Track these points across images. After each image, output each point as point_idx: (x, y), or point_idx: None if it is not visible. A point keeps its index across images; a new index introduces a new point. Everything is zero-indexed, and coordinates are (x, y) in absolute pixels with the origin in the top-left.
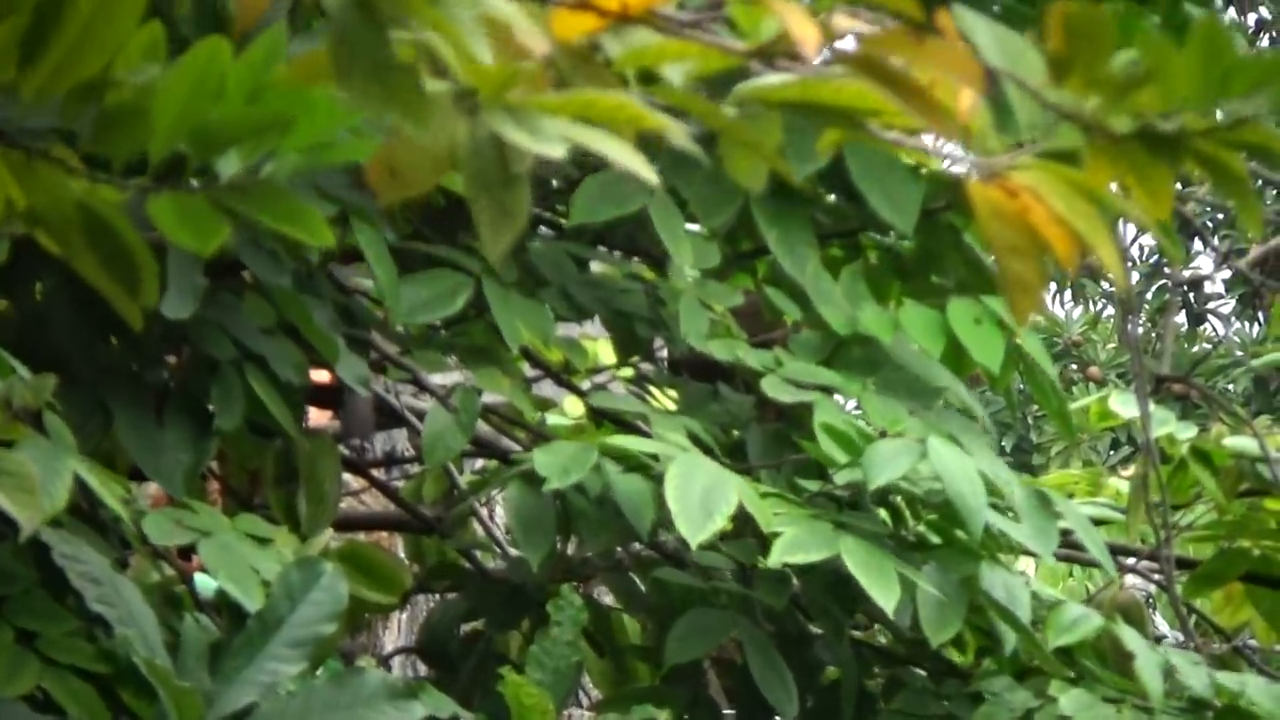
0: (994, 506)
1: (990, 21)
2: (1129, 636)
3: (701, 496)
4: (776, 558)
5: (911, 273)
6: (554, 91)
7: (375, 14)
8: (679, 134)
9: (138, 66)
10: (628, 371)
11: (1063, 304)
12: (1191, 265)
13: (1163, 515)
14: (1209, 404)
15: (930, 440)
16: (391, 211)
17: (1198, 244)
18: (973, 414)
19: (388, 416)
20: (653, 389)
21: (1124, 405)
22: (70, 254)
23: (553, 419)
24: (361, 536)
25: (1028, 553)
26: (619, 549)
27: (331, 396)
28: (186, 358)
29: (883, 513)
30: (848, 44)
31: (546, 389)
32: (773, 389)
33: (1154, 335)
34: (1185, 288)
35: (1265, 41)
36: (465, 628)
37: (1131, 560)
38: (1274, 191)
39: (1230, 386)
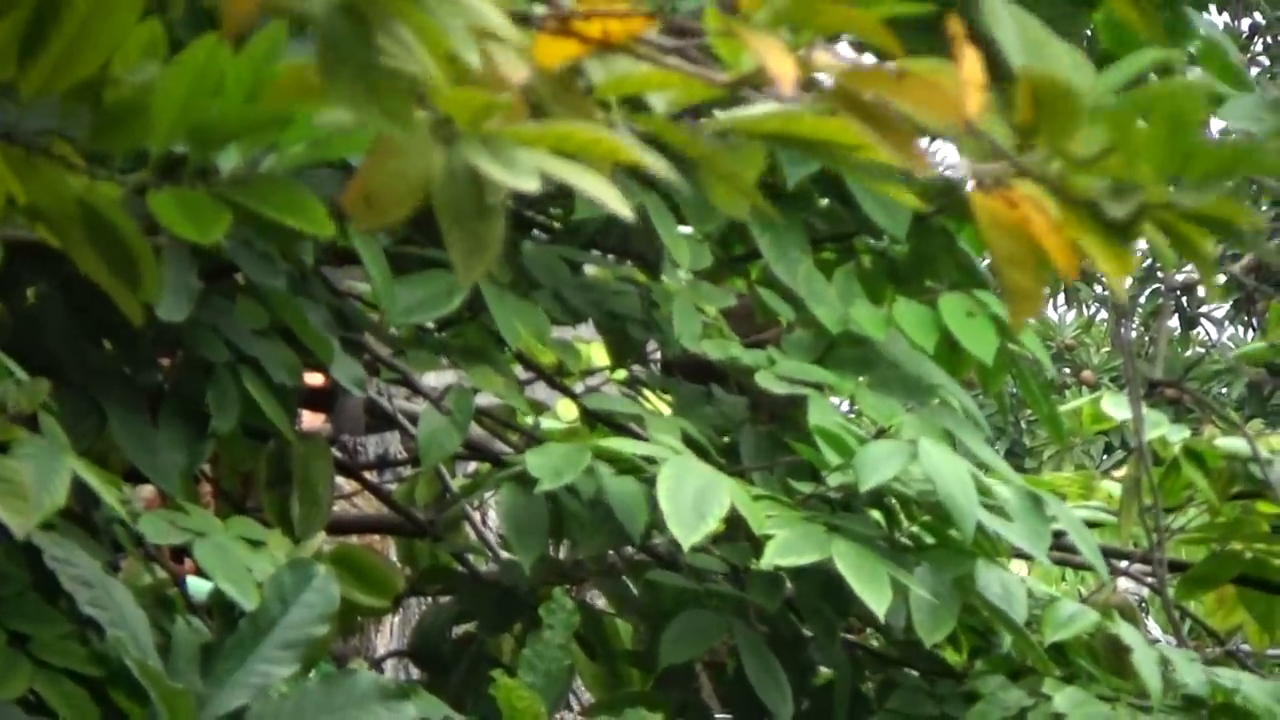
0: (986, 507)
1: (1023, 13)
2: (1126, 632)
3: (694, 498)
4: (769, 560)
5: (904, 277)
6: (532, 120)
7: (362, 19)
8: (658, 167)
9: (136, 64)
10: (621, 374)
11: (1056, 308)
12: (1185, 270)
13: (1155, 518)
14: (1202, 408)
15: (921, 442)
16: None
17: None
18: (967, 411)
19: (380, 419)
20: (646, 392)
21: (1116, 407)
22: (71, 250)
23: (546, 422)
24: (354, 539)
25: (1020, 556)
26: (611, 552)
27: (325, 399)
28: (180, 360)
29: (876, 514)
30: (828, 78)
31: (540, 392)
32: (767, 382)
33: (1147, 339)
34: (1179, 292)
35: (1259, 47)
36: (457, 631)
37: (1124, 563)
38: (1271, 201)
39: (1224, 391)
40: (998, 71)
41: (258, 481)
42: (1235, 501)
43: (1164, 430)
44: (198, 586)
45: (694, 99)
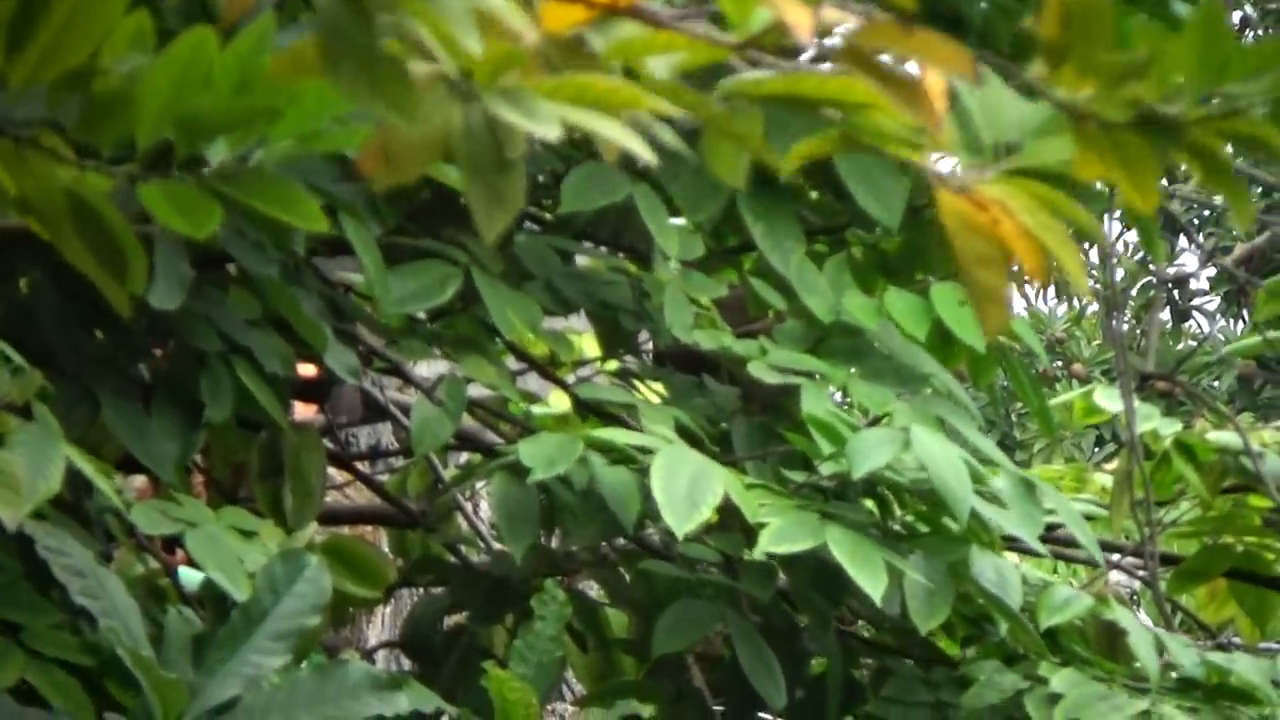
0: (979, 495)
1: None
2: (1122, 615)
3: (687, 487)
4: (763, 547)
5: (896, 269)
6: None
7: (362, 5)
8: (666, 130)
9: (124, 55)
10: (612, 365)
11: (1046, 300)
12: (1176, 262)
13: (1146, 511)
14: (1193, 401)
15: (914, 429)
16: (376, 205)
17: (1183, 241)
18: (959, 399)
19: (372, 410)
20: (637, 383)
21: (1108, 400)
22: (59, 241)
23: (538, 410)
24: (345, 530)
25: (1012, 549)
26: (604, 543)
27: (317, 390)
28: (173, 350)
29: (869, 503)
30: (837, 38)
31: (531, 383)
32: (759, 371)
33: (1138, 332)
34: (1170, 285)
35: (1249, 40)
36: (449, 622)
37: (1115, 556)
38: (1260, 190)
39: (1215, 384)
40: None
41: (250, 472)
42: (1227, 495)
43: (1155, 423)
44: (190, 577)
45: (700, 62)
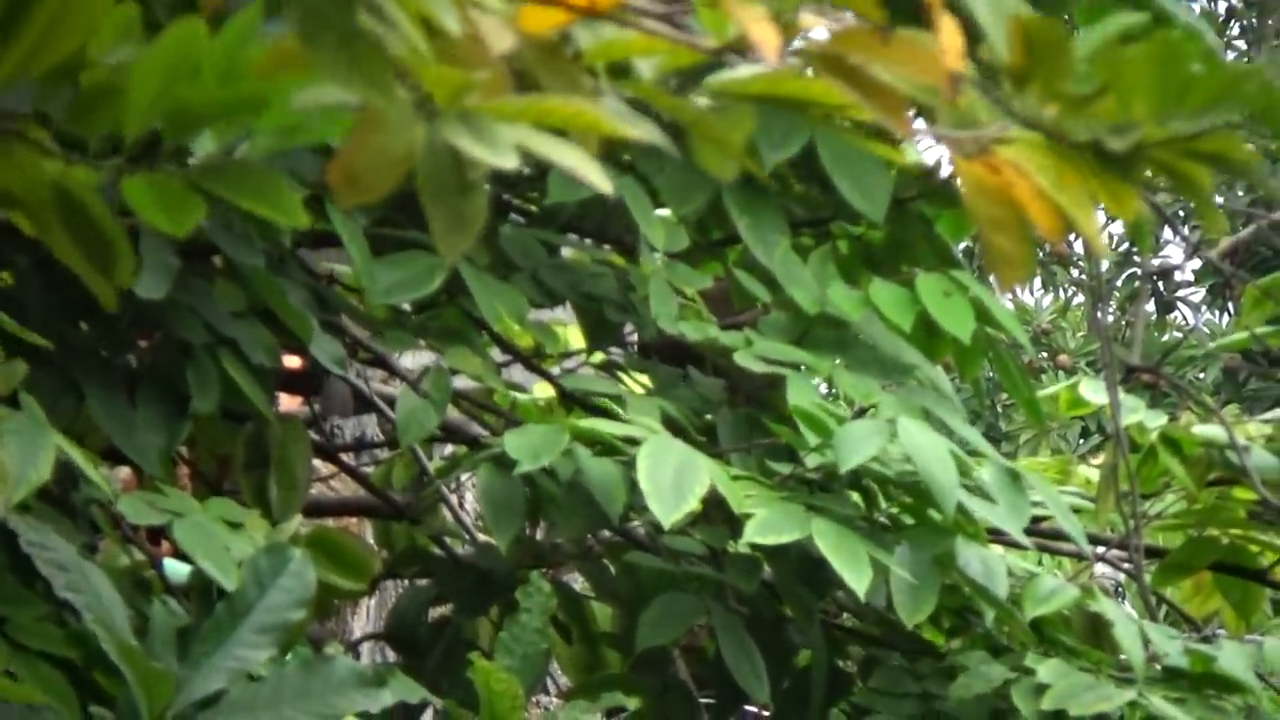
0: (965, 488)
1: None
2: (1108, 606)
3: (674, 477)
4: (749, 538)
5: (881, 262)
6: (518, 89)
7: None
8: (645, 133)
9: (112, 47)
10: (598, 356)
11: (1032, 292)
12: (1161, 254)
13: (1132, 504)
14: (1178, 393)
15: (900, 420)
16: None
17: (1168, 232)
18: (943, 390)
19: (357, 402)
20: (622, 374)
21: (1094, 393)
22: (45, 234)
23: (522, 398)
24: (330, 522)
25: (997, 542)
26: (589, 536)
27: (302, 382)
28: (158, 341)
29: (855, 495)
30: (815, 39)
31: (516, 375)
32: (745, 361)
33: (1124, 324)
34: (1155, 277)
35: (1235, 30)
36: (433, 614)
37: (1101, 549)
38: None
39: (1200, 376)
40: (973, 50)
41: (235, 463)
42: (1212, 488)
43: (1141, 416)
44: (175, 569)
45: (680, 64)
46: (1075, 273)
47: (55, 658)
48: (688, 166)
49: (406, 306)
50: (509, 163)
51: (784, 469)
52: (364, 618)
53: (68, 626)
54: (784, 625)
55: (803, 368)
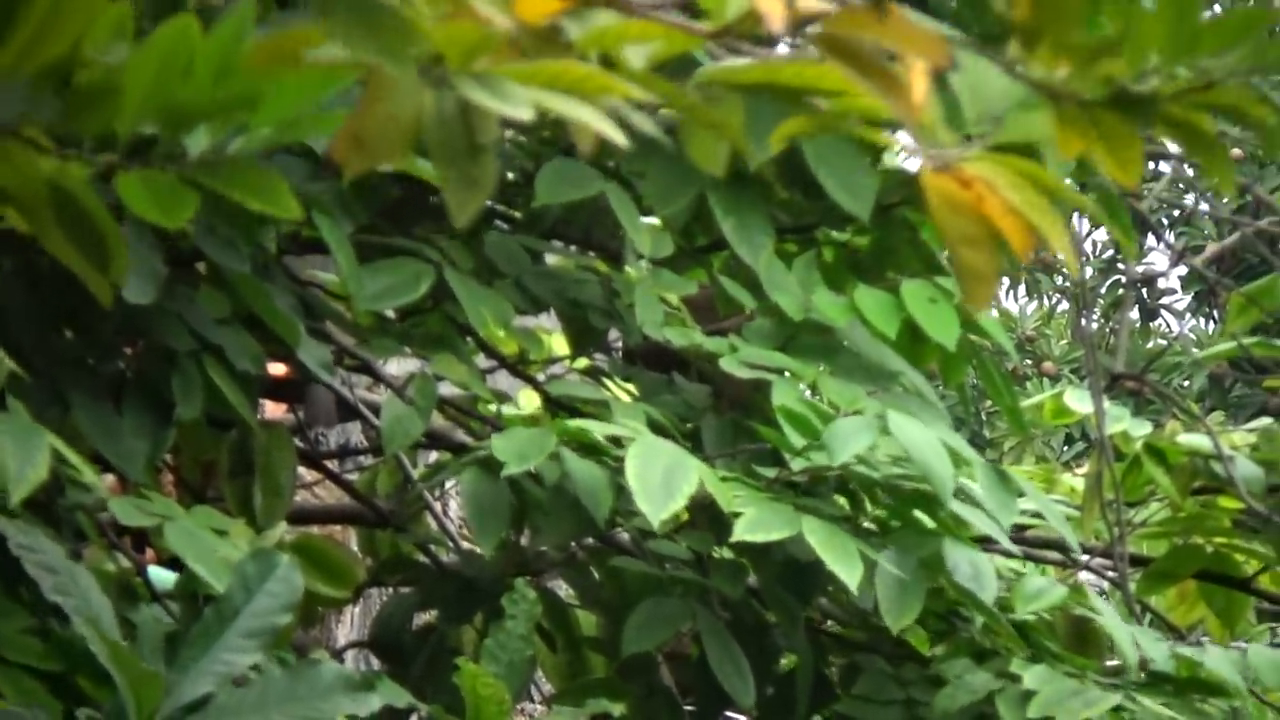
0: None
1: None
2: (1100, 606)
3: (663, 476)
4: (739, 535)
5: (866, 268)
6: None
7: None
8: (641, 117)
9: (106, 45)
10: (583, 363)
11: (1017, 299)
12: (1146, 261)
13: (1116, 512)
14: (1163, 401)
15: (891, 415)
16: (347, 203)
17: (1152, 240)
18: (928, 397)
19: (342, 409)
20: (607, 381)
21: (1078, 401)
22: (40, 232)
23: (508, 411)
24: (315, 529)
25: (984, 550)
26: (573, 543)
27: (287, 390)
28: (143, 349)
29: (841, 500)
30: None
31: (501, 382)
32: (731, 366)
33: (1108, 331)
34: (1140, 284)
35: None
36: (418, 621)
37: (1085, 557)
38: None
39: (1185, 383)
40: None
41: (220, 471)
42: (1197, 496)
43: (1126, 424)
44: (160, 576)
45: (675, 51)
46: (1060, 280)
47: (39, 671)
48: (673, 166)
49: (391, 313)
50: (525, 116)
51: (770, 473)
52: (348, 625)
53: (52, 635)
54: (769, 631)
55: (787, 374)
